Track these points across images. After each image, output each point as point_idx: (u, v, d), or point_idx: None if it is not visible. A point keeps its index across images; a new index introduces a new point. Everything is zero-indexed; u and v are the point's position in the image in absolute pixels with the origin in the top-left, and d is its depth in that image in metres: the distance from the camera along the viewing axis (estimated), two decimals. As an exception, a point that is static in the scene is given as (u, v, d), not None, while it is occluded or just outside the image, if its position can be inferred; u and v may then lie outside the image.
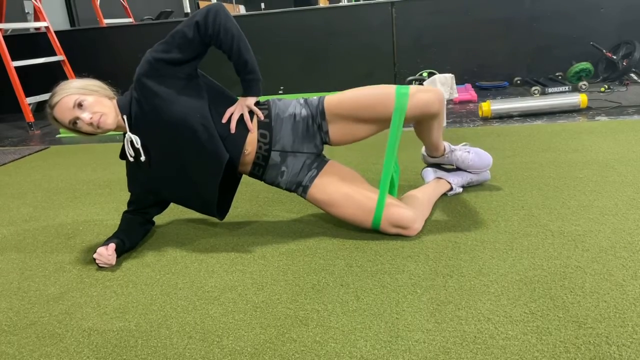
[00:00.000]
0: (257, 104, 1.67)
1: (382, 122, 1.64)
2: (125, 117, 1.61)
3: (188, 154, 1.59)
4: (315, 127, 1.66)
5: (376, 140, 1.79)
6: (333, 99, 1.65)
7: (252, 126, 1.64)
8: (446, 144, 1.93)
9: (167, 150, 1.61)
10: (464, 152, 1.92)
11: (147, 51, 1.58)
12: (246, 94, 1.64)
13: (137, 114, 1.60)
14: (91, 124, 1.55)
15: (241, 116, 1.63)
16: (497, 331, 1.15)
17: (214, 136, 1.58)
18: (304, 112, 1.66)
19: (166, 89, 1.55)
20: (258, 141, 1.65)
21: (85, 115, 1.55)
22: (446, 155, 1.94)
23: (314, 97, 1.71)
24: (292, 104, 1.68)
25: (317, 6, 5.08)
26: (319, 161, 1.72)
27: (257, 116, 1.65)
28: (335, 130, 1.66)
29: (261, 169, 1.69)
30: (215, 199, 1.66)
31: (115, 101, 1.63)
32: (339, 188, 1.66)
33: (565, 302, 1.23)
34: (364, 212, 1.63)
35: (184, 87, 1.58)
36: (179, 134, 1.57)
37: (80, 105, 1.55)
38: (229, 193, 1.80)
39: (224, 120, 1.62)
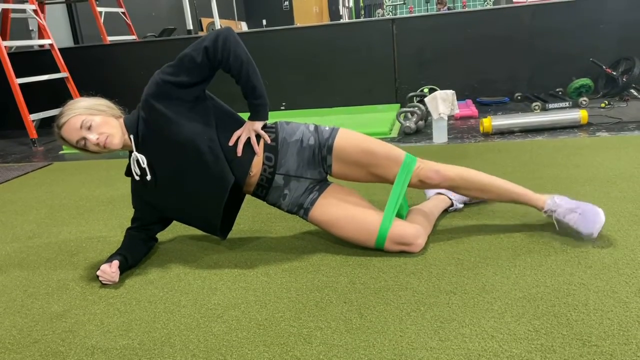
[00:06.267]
0: (264, 126, 1.68)
1: (383, 178, 1.69)
2: (132, 136, 1.62)
3: (194, 175, 1.60)
4: (319, 156, 1.68)
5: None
6: (343, 143, 1.66)
7: (259, 149, 1.66)
8: (549, 201, 1.68)
9: (172, 170, 1.62)
10: (571, 214, 1.65)
11: (156, 72, 1.59)
12: (253, 118, 1.65)
13: (144, 134, 1.61)
14: (98, 144, 1.57)
15: (248, 139, 1.65)
16: (501, 349, 1.15)
17: (220, 158, 1.59)
18: (311, 140, 1.67)
19: (174, 111, 1.57)
20: (263, 164, 1.66)
21: (92, 136, 1.56)
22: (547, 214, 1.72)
23: (326, 126, 1.72)
24: (300, 129, 1.69)
25: (318, 23, 5.14)
26: (321, 184, 1.73)
27: (264, 139, 1.66)
28: (338, 168, 1.69)
29: (264, 190, 1.70)
30: (219, 220, 1.67)
31: (122, 120, 1.65)
32: (340, 209, 1.67)
33: (569, 319, 1.23)
34: (366, 232, 1.64)
35: (191, 109, 1.59)
36: (185, 155, 1.58)
37: (87, 126, 1.56)
38: (232, 212, 1.81)
39: (230, 143, 1.63)
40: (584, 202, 1.65)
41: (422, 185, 1.68)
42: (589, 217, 1.60)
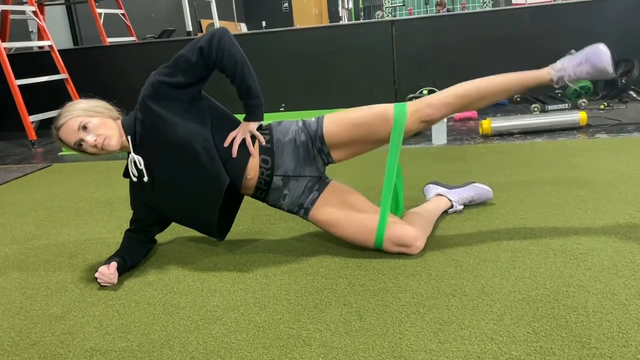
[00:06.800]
0: (259, 128, 1.68)
1: (383, 140, 1.66)
2: (129, 137, 1.62)
3: (189, 176, 1.61)
4: (315, 150, 1.67)
5: (378, 153, 1.80)
6: (331, 127, 1.65)
7: (254, 150, 1.65)
8: (553, 72, 1.63)
9: (169, 171, 1.62)
10: (577, 66, 1.61)
11: (152, 73, 1.60)
12: (249, 118, 1.65)
13: (141, 135, 1.61)
14: (95, 146, 1.57)
15: (243, 140, 1.65)
16: (500, 351, 1.15)
17: (216, 159, 1.59)
18: (302, 136, 1.67)
19: (170, 111, 1.57)
20: (260, 167, 1.66)
21: (90, 138, 1.56)
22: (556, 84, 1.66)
23: (311, 118, 1.71)
24: (292, 127, 1.69)
25: (318, 25, 5.17)
26: (321, 183, 1.73)
27: (259, 141, 1.66)
28: (337, 153, 1.69)
29: (263, 193, 1.70)
30: (215, 222, 1.67)
31: (120, 122, 1.65)
32: (341, 209, 1.67)
33: (568, 321, 1.23)
34: (366, 231, 1.64)
35: (187, 110, 1.59)
36: (181, 156, 1.58)
37: (84, 128, 1.57)
38: (230, 214, 1.81)
39: (225, 144, 1.63)
40: (582, 51, 1.60)
41: (426, 124, 1.65)
42: (594, 59, 1.57)
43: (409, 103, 1.64)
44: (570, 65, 1.60)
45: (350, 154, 1.70)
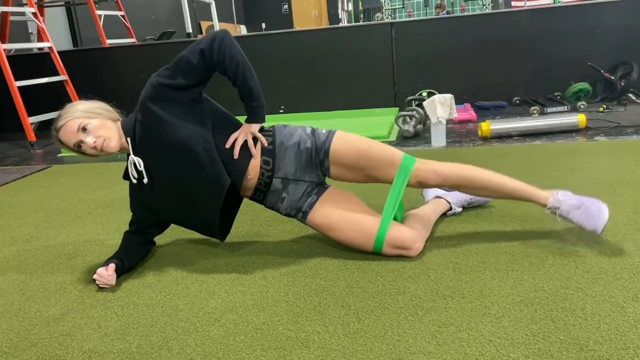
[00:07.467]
0: (261, 129, 1.68)
1: (381, 180, 1.69)
2: (129, 139, 1.63)
3: (190, 177, 1.61)
4: (317, 160, 1.68)
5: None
6: (340, 145, 1.66)
7: (256, 152, 1.66)
8: (551, 198, 1.64)
9: (169, 172, 1.63)
10: (573, 210, 1.61)
11: (152, 75, 1.60)
12: (250, 120, 1.65)
13: (141, 137, 1.62)
14: (95, 147, 1.57)
15: (245, 142, 1.65)
16: (498, 353, 1.15)
17: (216, 161, 1.59)
18: (308, 143, 1.67)
19: (170, 113, 1.57)
20: (261, 167, 1.66)
21: (89, 140, 1.56)
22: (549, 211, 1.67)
23: (322, 129, 1.72)
24: (298, 132, 1.69)
25: (318, 27, 5.19)
26: (320, 187, 1.73)
27: (261, 142, 1.66)
28: (335, 171, 1.70)
29: (262, 194, 1.71)
30: (216, 222, 1.67)
31: (119, 123, 1.65)
32: (339, 212, 1.67)
33: (566, 324, 1.23)
34: (365, 235, 1.64)
35: (187, 111, 1.59)
36: (181, 158, 1.58)
37: (84, 129, 1.57)
38: (230, 215, 1.81)
39: (227, 146, 1.63)
40: (587, 197, 1.62)
41: (420, 185, 1.68)
42: (593, 213, 1.57)
43: (417, 159, 1.67)
44: (567, 203, 1.62)
45: (346, 177, 1.71)
